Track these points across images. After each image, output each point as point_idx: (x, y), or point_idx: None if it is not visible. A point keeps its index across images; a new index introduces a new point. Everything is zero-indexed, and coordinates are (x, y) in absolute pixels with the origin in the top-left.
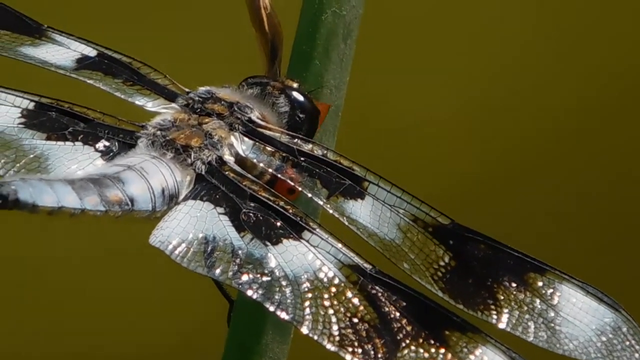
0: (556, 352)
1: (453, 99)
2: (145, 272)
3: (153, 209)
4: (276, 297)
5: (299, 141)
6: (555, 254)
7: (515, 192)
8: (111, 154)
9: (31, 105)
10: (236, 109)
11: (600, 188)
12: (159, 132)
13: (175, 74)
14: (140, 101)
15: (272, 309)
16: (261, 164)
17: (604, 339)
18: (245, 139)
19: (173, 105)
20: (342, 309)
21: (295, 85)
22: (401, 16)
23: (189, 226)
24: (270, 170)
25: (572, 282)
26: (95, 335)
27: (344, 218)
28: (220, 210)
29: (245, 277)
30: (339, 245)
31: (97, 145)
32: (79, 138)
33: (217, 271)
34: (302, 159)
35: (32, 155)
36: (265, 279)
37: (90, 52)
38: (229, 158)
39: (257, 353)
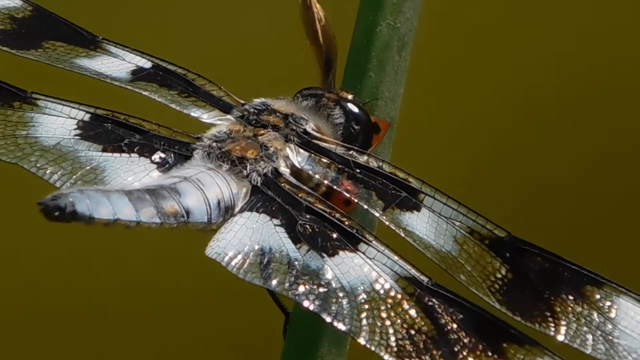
0: None
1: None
2: (200, 290)
3: (209, 221)
4: (333, 308)
5: (354, 153)
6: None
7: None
8: (167, 165)
9: (87, 117)
10: (291, 120)
11: None
12: (214, 144)
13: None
14: (195, 113)
15: (328, 320)
16: (317, 176)
17: None
18: (301, 150)
19: (228, 117)
20: (399, 320)
21: (350, 96)
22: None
23: (245, 238)
24: (325, 182)
25: (629, 295)
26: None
27: (401, 230)
28: (277, 221)
29: (301, 288)
30: (395, 258)
31: (153, 157)
32: (135, 150)
33: (274, 282)
34: (357, 170)
35: (88, 167)
36: (321, 290)
37: (145, 63)
38: (284, 170)
39: None
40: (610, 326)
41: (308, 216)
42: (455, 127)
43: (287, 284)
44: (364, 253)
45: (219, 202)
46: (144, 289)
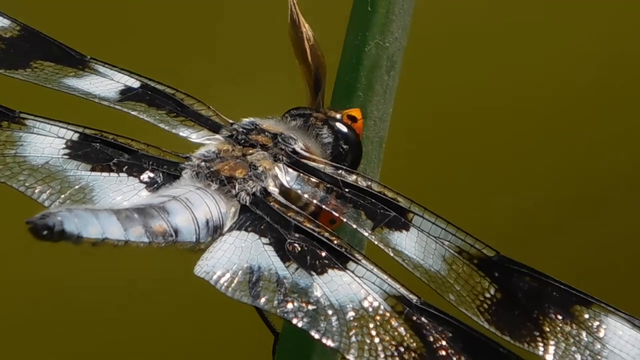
0: None
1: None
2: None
3: (197, 240)
4: (322, 325)
5: (343, 172)
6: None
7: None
8: (156, 185)
9: (75, 137)
10: (280, 140)
11: None
12: (203, 164)
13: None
14: (184, 132)
15: (317, 336)
16: (305, 195)
17: None
18: (290, 170)
19: (217, 136)
20: (388, 338)
21: (338, 116)
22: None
23: (234, 256)
24: (314, 201)
25: (618, 315)
26: None
27: (389, 249)
28: (265, 240)
29: (290, 306)
30: (384, 276)
31: (141, 177)
32: (124, 169)
33: (262, 300)
34: (346, 190)
35: (77, 187)
36: (310, 307)
37: (134, 83)
38: (273, 189)
39: None
40: (599, 346)
41: (297, 235)
42: (445, 148)
43: (275, 302)
44: (352, 271)
45: (207, 222)
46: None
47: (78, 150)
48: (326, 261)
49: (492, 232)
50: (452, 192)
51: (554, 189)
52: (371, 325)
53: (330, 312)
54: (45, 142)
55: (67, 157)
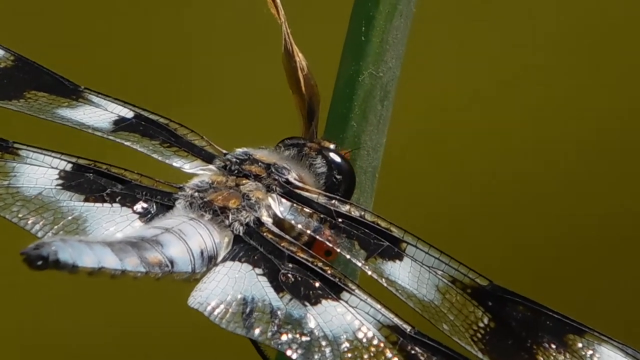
0: None
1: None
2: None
3: (193, 271)
4: (316, 356)
5: (336, 202)
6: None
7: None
8: (149, 215)
9: (69, 167)
10: (273, 170)
11: None
12: (196, 194)
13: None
14: (177, 163)
15: None
16: (299, 225)
17: None
18: (283, 200)
19: (210, 166)
20: None
21: (332, 146)
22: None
23: (228, 287)
24: (308, 231)
25: (611, 344)
26: None
27: (383, 279)
28: (259, 271)
29: (284, 337)
30: (378, 306)
31: (135, 207)
32: (117, 200)
33: (256, 332)
34: (339, 220)
35: (70, 217)
36: (304, 338)
37: (128, 113)
38: (266, 219)
39: None
40: None
41: (290, 265)
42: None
43: (269, 333)
44: (346, 302)
45: (202, 252)
46: None
47: (71, 181)
48: (320, 291)
49: (485, 261)
50: (445, 222)
51: (547, 220)
52: (365, 356)
53: (324, 343)
54: (39, 173)
55: (60, 187)
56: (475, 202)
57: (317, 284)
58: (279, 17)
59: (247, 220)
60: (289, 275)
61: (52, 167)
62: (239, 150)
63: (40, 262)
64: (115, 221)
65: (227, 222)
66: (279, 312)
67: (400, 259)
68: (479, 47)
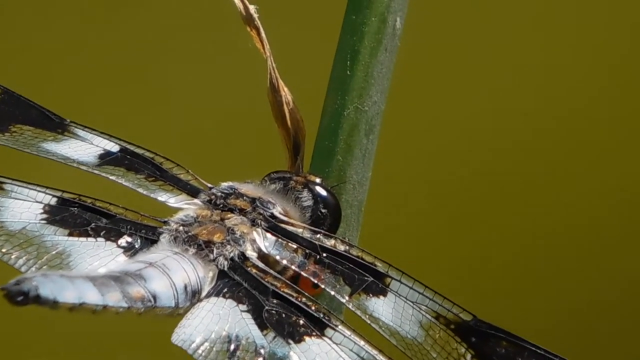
0: None
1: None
2: None
3: (176, 306)
4: None
5: (321, 237)
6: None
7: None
8: (133, 249)
9: (53, 201)
10: (258, 204)
11: None
12: (181, 228)
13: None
14: (162, 197)
15: None
16: (284, 261)
17: None
18: (268, 235)
19: (195, 200)
20: None
21: (318, 180)
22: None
23: (212, 324)
24: (292, 266)
25: None
26: None
27: (367, 316)
28: (243, 307)
29: None
30: (362, 343)
31: (119, 242)
32: (102, 234)
33: None
34: (324, 254)
35: (54, 252)
36: None
37: (113, 147)
38: (251, 254)
39: None
40: None
41: (275, 301)
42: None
43: None
44: (330, 338)
45: (185, 287)
46: None
47: (56, 215)
48: (304, 328)
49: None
50: (431, 255)
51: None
52: None
53: None
54: (23, 207)
55: (44, 222)
56: (462, 233)
57: (300, 321)
58: (264, 52)
59: (232, 254)
60: (273, 311)
61: (37, 201)
62: (225, 184)
63: (21, 298)
64: (99, 255)
65: (211, 256)
66: (262, 351)
67: (385, 295)
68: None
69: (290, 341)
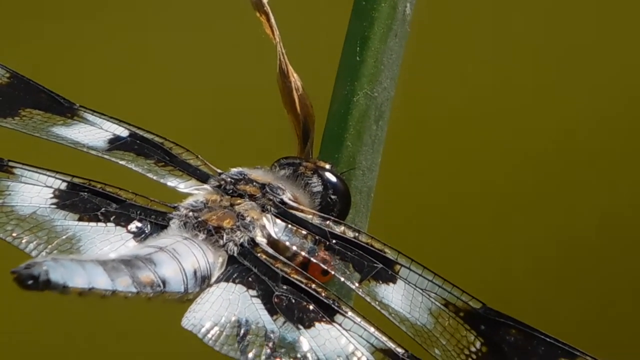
0: None
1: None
2: None
3: (185, 291)
4: None
5: (330, 223)
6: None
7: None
8: (143, 235)
9: (63, 186)
10: (268, 190)
11: None
12: (191, 213)
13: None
14: (172, 182)
15: None
16: (293, 246)
17: None
18: (278, 220)
19: (205, 186)
20: None
21: (327, 166)
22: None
23: (222, 309)
24: (302, 252)
25: None
26: None
27: (376, 303)
28: (253, 292)
29: None
30: (372, 330)
31: (129, 227)
32: (112, 219)
33: (250, 355)
34: (334, 241)
35: (64, 237)
36: None
37: (123, 132)
38: (261, 240)
39: None
40: None
41: (284, 287)
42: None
43: (263, 357)
44: (340, 325)
45: (195, 272)
46: None
47: (66, 200)
48: (313, 314)
49: (479, 284)
50: (440, 242)
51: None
52: None
53: None
54: (34, 191)
55: (54, 206)
56: (472, 220)
57: (310, 307)
58: (274, 37)
59: (242, 240)
60: (283, 297)
61: (47, 186)
62: (234, 169)
63: (30, 282)
64: (109, 240)
65: (221, 242)
66: (272, 336)
67: (394, 282)
68: (475, 66)
69: (300, 326)
